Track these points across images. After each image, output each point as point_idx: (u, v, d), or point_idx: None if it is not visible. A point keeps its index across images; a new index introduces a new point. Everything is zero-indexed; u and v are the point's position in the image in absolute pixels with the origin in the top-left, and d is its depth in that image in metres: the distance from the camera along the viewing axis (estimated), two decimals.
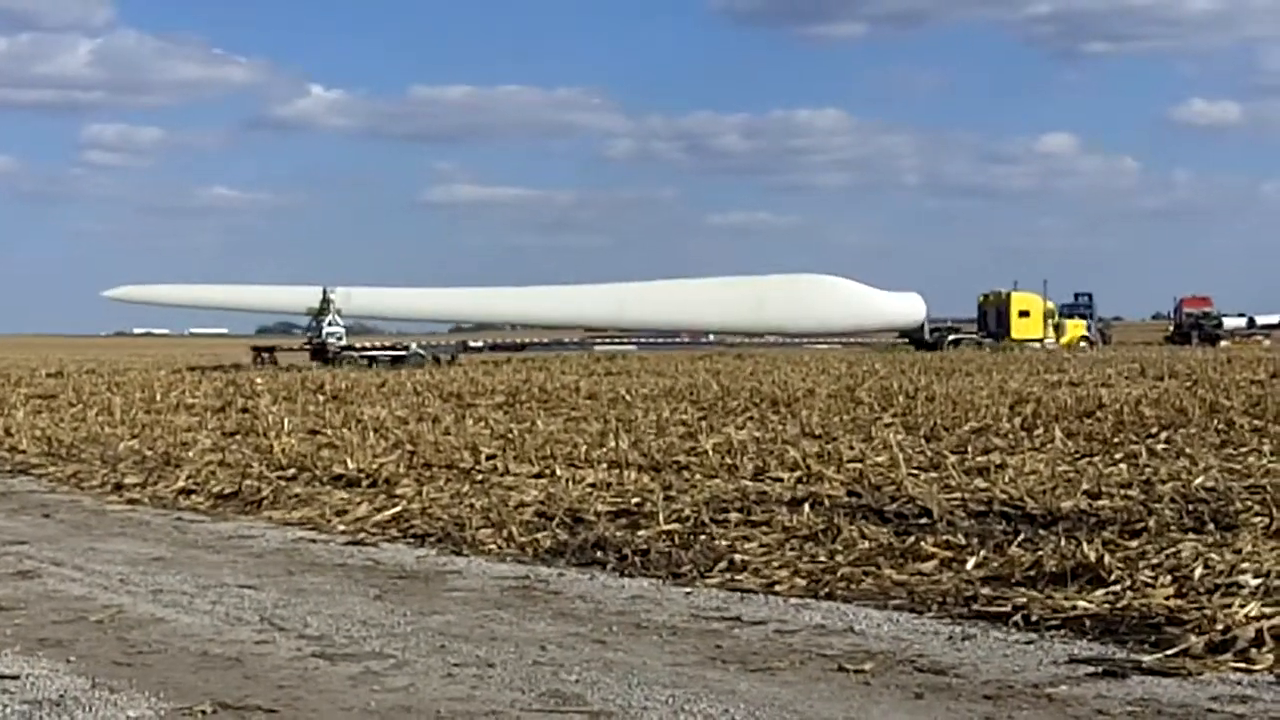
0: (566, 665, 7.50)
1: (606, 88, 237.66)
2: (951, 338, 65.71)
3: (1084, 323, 72.81)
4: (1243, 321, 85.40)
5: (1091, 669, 7.16)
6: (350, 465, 15.53)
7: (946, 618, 8.34)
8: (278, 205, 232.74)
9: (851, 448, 16.24)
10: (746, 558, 10.08)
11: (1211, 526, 10.24)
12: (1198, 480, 12.38)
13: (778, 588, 9.31)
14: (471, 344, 63.30)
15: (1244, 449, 15.32)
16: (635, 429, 19.41)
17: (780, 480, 13.63)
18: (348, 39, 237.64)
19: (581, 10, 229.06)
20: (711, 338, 70.59)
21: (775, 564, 9.88)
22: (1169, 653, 7.25)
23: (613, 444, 16.84)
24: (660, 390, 29.23)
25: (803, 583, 9.37)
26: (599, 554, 10.56)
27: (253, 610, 9.06)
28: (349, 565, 10.78)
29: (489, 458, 16.16)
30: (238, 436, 20.58)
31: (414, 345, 57.38)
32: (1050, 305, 68.83)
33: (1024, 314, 67.92)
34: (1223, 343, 73.90)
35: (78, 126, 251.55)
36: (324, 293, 54.90)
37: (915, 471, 13.81)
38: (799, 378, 33.82)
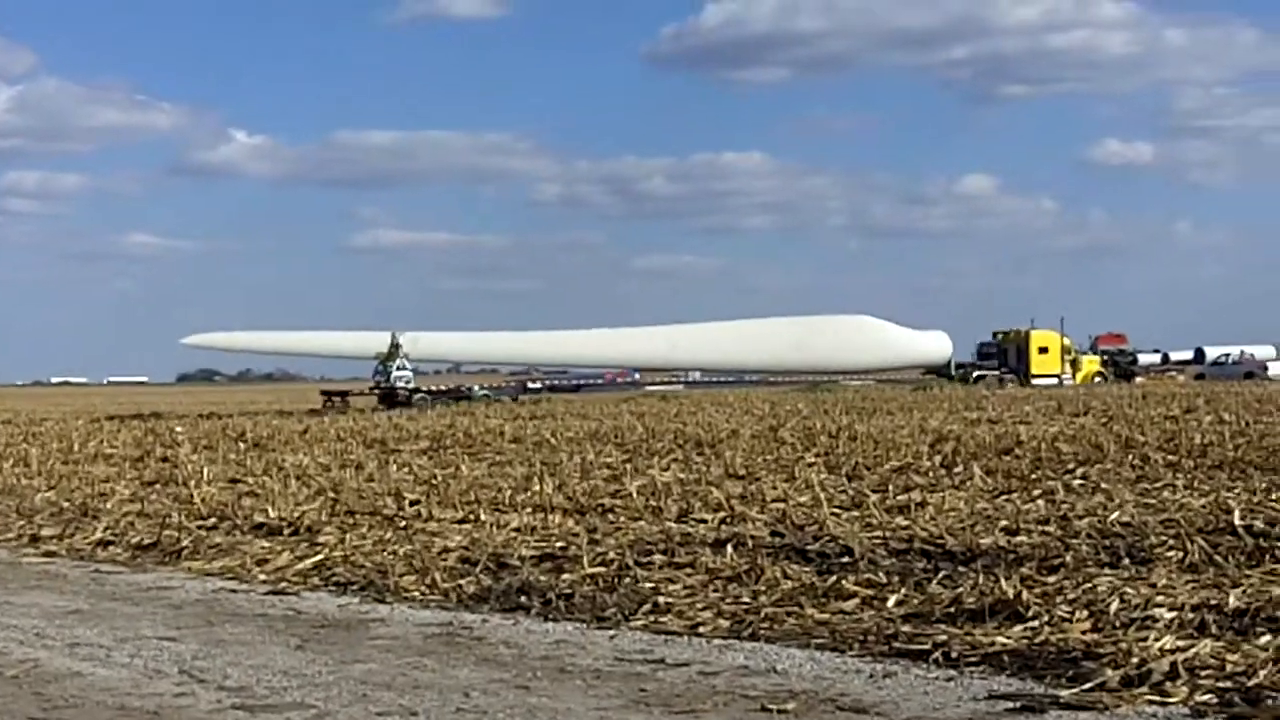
0: (490, 712, 7.47)
1: (534, 132, 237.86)
2: (976, 374, 68.34)
3: (1098, 359, 75.53)
4: (1157, 358, 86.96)
5: (1010, 704, 7.25)
6: (272, 513, 15.38)
7: (868, 656, 8.41)
8: (201, 251, 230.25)
9: (775, 488, 16.33)
10: (670, 600, 10.10)
11: (1127, 561, 10.40)
12: (1114, 515, 12.56)
13: (701, 629, 9.33)
14: (530, 385, 65.12)
15: (1159, 484, 15.58)
16: (560, 472, 19.39)
17: (704, 521, 13.67)
18: (271, 85, 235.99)
19: (507, 55, 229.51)
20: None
21: (699, 605, 9.91)
22: (1086, 687, 7.36)
23: (537, 488, 16.82)
24: (585, 433, 29.23)
25: (726, 624, 9.40)
26: (523, 599, 10.54)
27: (172, 662, 8.95)
28: (270, 615, 10.67)
29: (413, 504, 16.07)
30: (157, 486, 20.32)
31: (477, 387, 59.65)
32: (1067, 342, 71.52)
33: (1043, 350, 70.89)
34: (1138, 379, 75.30)
35: None
36: (392, 337, 56.32)
37: (837, 511, 13.91)
38: (723, 419, 33.96)
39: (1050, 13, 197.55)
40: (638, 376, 75.30)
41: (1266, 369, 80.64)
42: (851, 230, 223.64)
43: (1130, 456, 18.95)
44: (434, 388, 59.52)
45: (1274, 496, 13.82)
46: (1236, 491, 14.32)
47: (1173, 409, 33.09)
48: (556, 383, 67.70)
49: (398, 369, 55.64)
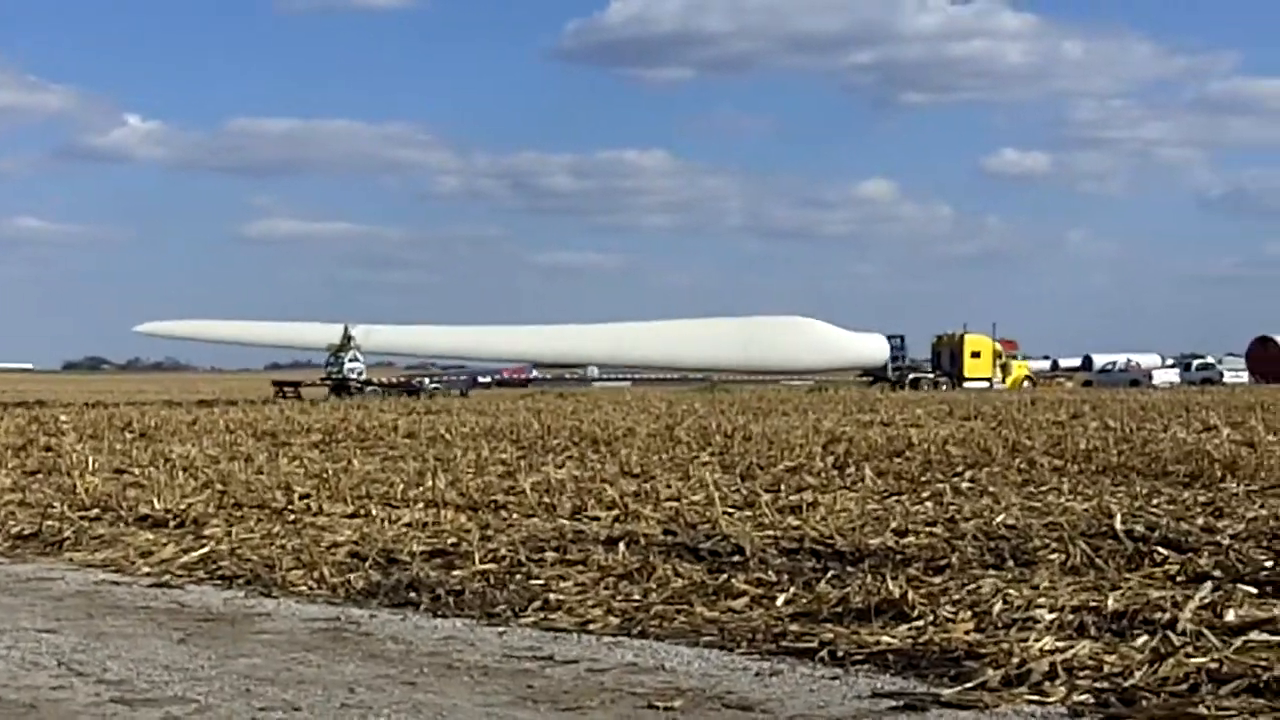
0: (375, 707, 7.41)
1: (434, 124, 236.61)
2: (911, 377, 69.99)
3: (1027, 364, 77.73)
4: (1047, 364, 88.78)
5: (893, 703, 7.33)
6: (157, 505, 15.11)
7: (756, 654, 8.46)
8: (90, 237, 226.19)
9: (669, 486, 16.38)
10: (561, 597, 10.09)
11: (1011, 563, 10.57)
12: (999, 518, 12.78)
13: (591, 626, 9.33)
14: (480, 379, 66.10)
15: (1044, 488, 15.89)
16: (454, 468, 19.28)
17: (598, 519, 13.68)
18: (167, 69, 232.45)
19: (409, 45, 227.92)
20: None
21: (590, 603, 9.91)
22: (967, 686, 7.47)
23: (430, 483, 16.70)
24: (481, 429, 29.11)
25: (616, 621, 9.41)
26: (412, 594, 10.46)
27: (50, 655, 8.75)
28: (153, 608, 10.48)
29: (302, 497, 15.89)
30: (39, 475, 19.89)
31: (427, 381, 61.01)
32: (998, 347, 73.53)
33: (975, 355, 72.78)
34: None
35: None
36: (345, 329, 57.23)
37: (730, 510, 13.99)
38: (620, 417, 34.01)
39: (951, 21, 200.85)
40: (535, 373, 75.76)
41: (1151, 377, 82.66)
42: (750, 231, 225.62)
43: (1017, 460, 19.29)
44: (385, 380, 60.56)
45: (1155, 502, 14.15)
46: (1119, 496, 14.64)
47: (1060, 414, 33.76)
48: (505, 378, 68.48)
49: (350, 360, 56.54)
